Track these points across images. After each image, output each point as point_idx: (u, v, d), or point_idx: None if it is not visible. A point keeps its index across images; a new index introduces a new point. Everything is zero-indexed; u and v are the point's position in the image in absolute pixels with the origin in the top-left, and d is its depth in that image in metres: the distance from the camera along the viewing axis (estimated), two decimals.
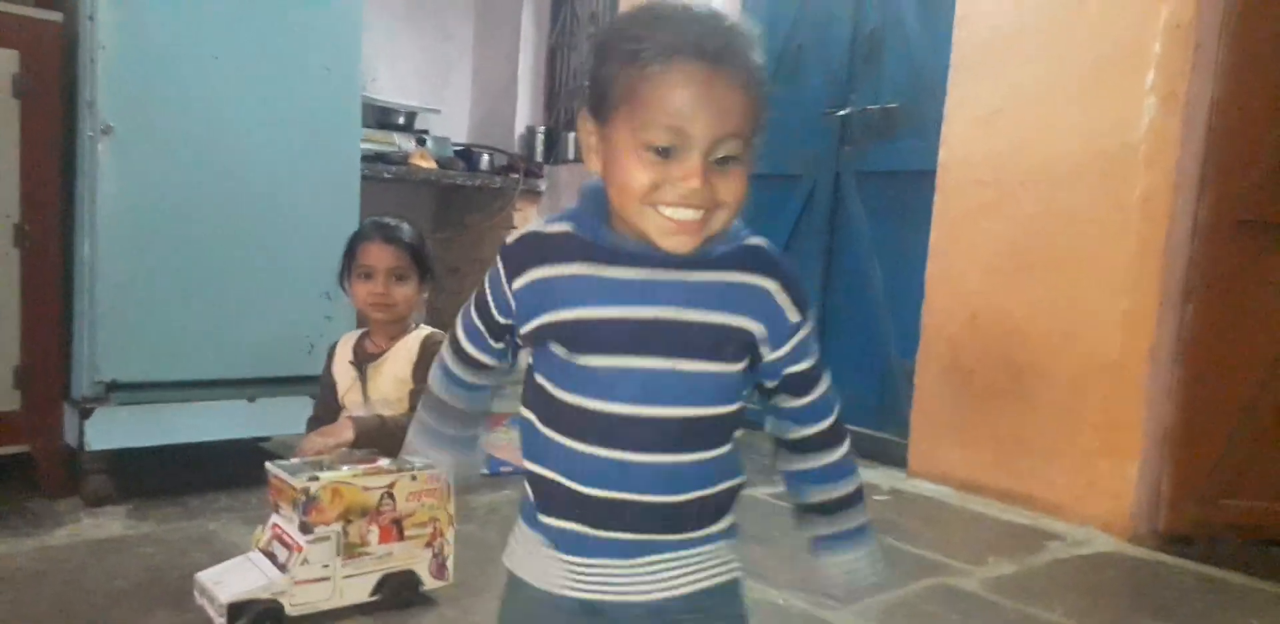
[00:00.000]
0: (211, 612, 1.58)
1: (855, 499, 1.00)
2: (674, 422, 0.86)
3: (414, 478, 1.70)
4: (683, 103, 0.77)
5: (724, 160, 0.79)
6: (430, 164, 4.07)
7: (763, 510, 2.51)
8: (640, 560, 0.89)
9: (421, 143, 4.16)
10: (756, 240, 0.89)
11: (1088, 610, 1.96)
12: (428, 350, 1.79)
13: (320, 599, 1.61)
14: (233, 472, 2.51)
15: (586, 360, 0.85)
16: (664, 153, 0.78)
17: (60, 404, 2.25)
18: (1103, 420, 2.48)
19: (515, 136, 4.69)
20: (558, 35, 4.69)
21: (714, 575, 0.92)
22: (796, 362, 0.91)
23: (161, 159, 2.27)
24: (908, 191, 3.07)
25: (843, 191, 3.29)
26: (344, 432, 1.73)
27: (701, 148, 0.78)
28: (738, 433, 0.91)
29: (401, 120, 4.25)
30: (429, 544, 1.74)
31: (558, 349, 0.86)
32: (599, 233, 0.86)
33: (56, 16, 2.21)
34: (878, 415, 3.17)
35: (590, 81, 0.84)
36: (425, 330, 1.86)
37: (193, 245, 2.32)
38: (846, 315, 3.29)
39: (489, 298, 0.92)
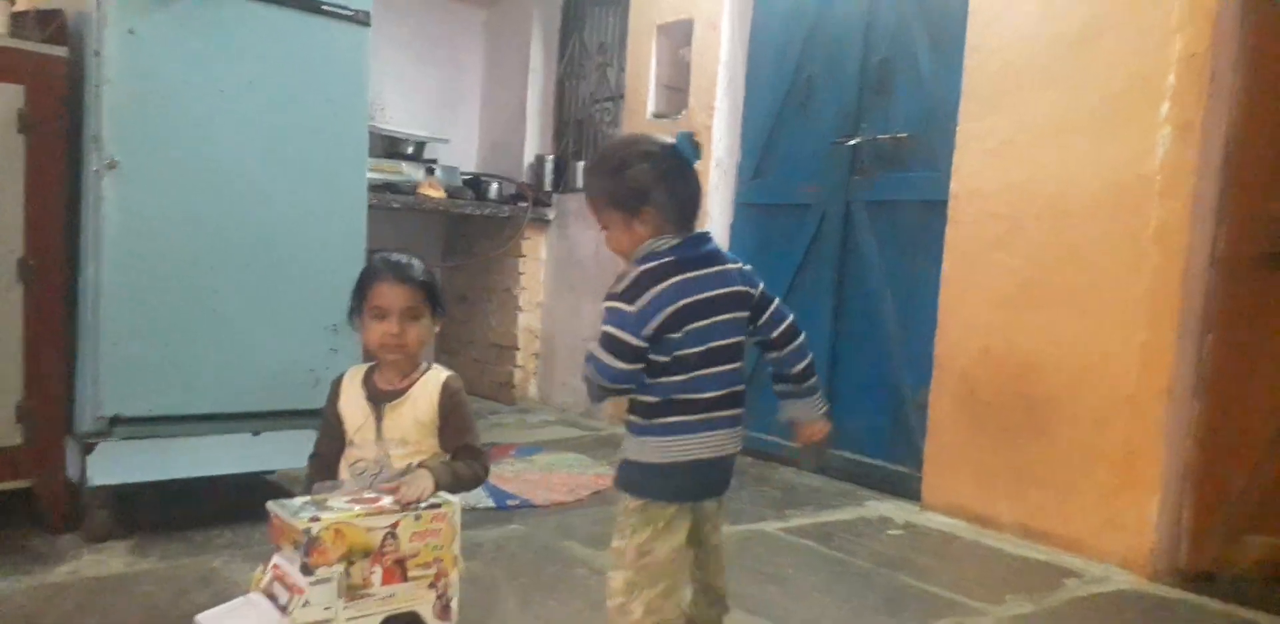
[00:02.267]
0: None
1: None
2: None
3: (418, 518, 1.67)
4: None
5: None
6: (439, 193, 4.06)
7: (774, 546, 2.47)
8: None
9: (430, 172, 4.16)
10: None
11: None
12: (449, 397, 1.76)
13: None
14: (237, 506, 2.48)
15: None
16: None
17: (63, 439, 2.23)
18: (1121, 455, 2.43)
19: (524, 165, 4.69)
20: (566, 65, 4.70)
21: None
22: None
23: (166, 193, 2.26)
24: (919, 222, 3.05)
25: (853, 221, 3.27)
26: (425, 482, 1.69)
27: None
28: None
29: (410, 150, 4.26)
30: (433, 585, 1.70)
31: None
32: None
33: (62, 51, 2.21)
34: (890, 447, 3.13)
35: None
36: (443, 373, 1.82)
37: (197, 279, 2.31)
38: (858, 344, 3.26)
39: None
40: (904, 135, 3.11)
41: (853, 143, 3.25)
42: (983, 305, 2.74)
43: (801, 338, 1.67)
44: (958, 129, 2.83)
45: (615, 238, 1.58)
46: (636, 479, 1.56)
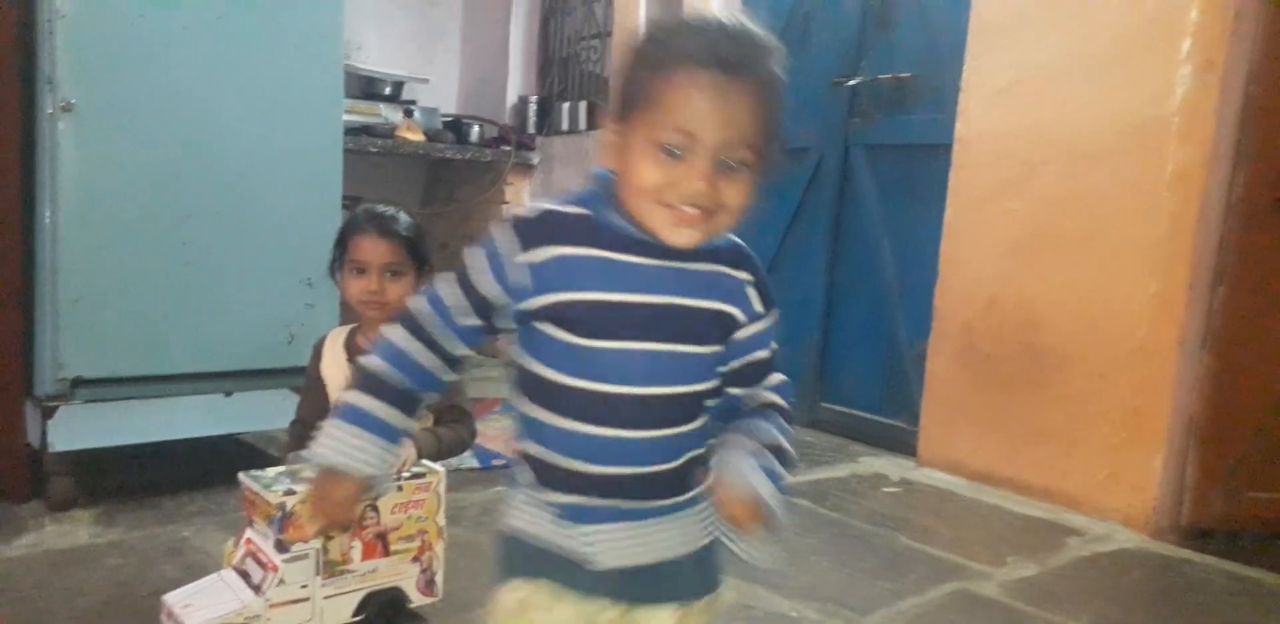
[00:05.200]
0: None
1: (789, 459, 0.99)
2: (672, 398, 0.94)
3: (400, 488, 1.58)
4: (695, 107, 0.83)
5: (732, 166, 0.84)
6: (418, 136, 3.90)
7: None
8: (645, 523, 0.96)
9: (409, 114, 3.98)
10: (735, 239, 0.96)
11: (1119, 620, 1.85)
12: None
13: (299, 622, 1.49)
14: (209, 471, 2.39)
15: (594, 343, 0.90)
16: (675, 154, 0.84)
17: (21, 402, 2.12)
18: (1126, 410, 2.36)
19: (507, 107, 4.51)
20: (551, 1, 4.49)
21: (707, 534, 1.00)
22: (755, 349, 0.98)
23: (128, 138, 2.12)
24: (921, 166, 2.93)
25: (852, 165, 3.14)
26: (408, 452, 1.60)
27: (709, 152, 0.84)
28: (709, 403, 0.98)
29: (388, 90, 4.07)
30: (416, 558, 1.62)
31: (558, 332, 0.91)
32: (612, 220, 0.91)
33: None
34: (885, 401, 3.05)
35: (618, 84, 0.90)
36: None
37: (163, 230, 2.18)
38: (853, 294, 3.17)
39: (485, 270, 0.92)
40: (906, 75, 2.96)
41: (852, 83, 3.10)
42: (988, 254, 2.64)
43: None
44: (964, 68, 2.69)
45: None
46: None
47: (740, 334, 0.96)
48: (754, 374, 1.00)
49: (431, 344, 0.95)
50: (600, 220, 0.91)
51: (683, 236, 0.87)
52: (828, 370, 3.24)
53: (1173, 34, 2.25)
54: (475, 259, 0.93)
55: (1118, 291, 2.37)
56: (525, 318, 0.92)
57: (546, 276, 0.90)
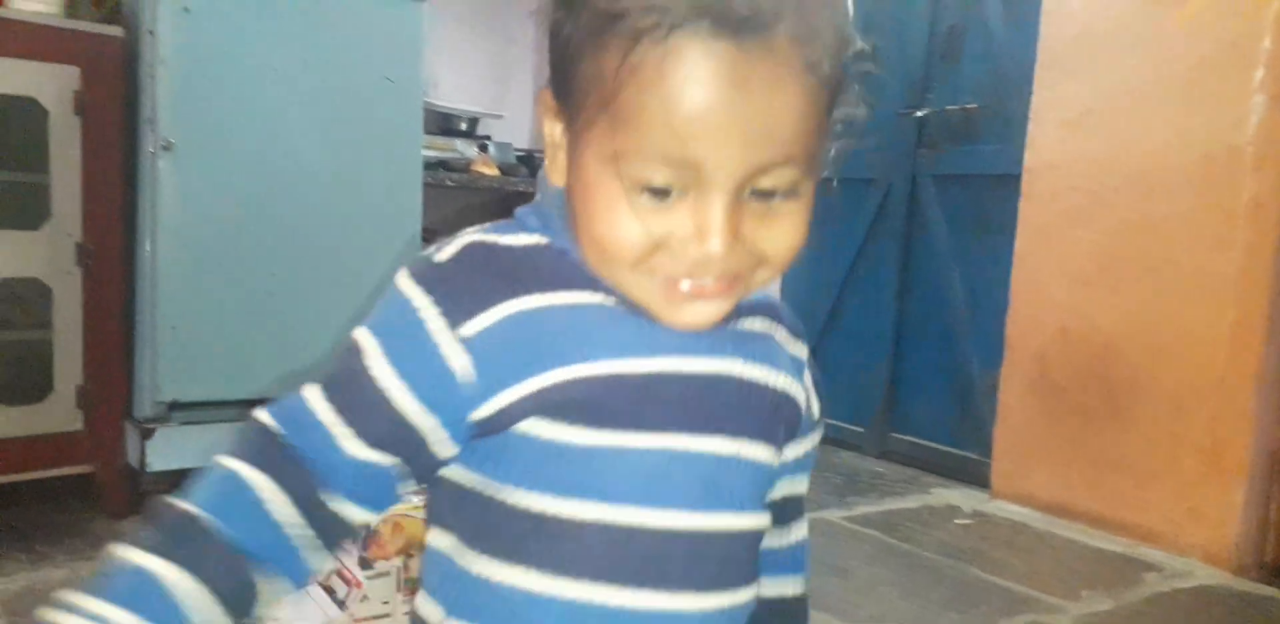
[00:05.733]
0: None
1: None
2: (738, 538, 0.57)
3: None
4: (697, 113, 0.46)
5: (769, 194, 0.51)
6: (493, 170, 4.01)
7: (837, 536, 2.40)
8: None
9: (484, 149, 4.10)
10: (769, 292, 0.62)
11: None
12: None
13: None
14: None
15: (613, 440, 0.53)
16: (664, 194, 0.50)
17: (122, 424, 2.23)
18: (1205, 442, 2.31)
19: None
20: None
21: None
22: (800, 471, 0.65)
23: (222, 174, 2.23)
24: (989, 197, 2.92)
25: (920, 196, 3.15)
26: None
27: (728, 186, 0.49)
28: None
29: (464, 126, 4.21)
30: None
31: (553, 429, 0.53)
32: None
33: (117, 31, 2.18)
34: (957, 431, 3.03)
35: (552, 48, 0.53)
36: None
37: (254, 261, 2.28)
38: (924, 325, 3.16)
39: (389, 371, 0.53)
40: (974, 106, 2.97)
41: (919, 114, 3.12)
42: (1060, 283, 2.62)
43: None
44: (1033, 98, 2.69)
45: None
46: None
47: (793, 445, 0.63)
48: (788, 513, 0.66)
49: (298, 492, 0.52)
50: (566, 250, 0.56)
51: (692, 315, 0.53)
52: (898, 401, 3.23)
53: (1245, 63, 2.23)
54: (356, 362, 0.55)
55: (1194, 321, 2.33)
56: (481, 430, 0.54)
57: (502, 354, 0.53)
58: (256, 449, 0.55)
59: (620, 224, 0.50)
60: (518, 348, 0.53)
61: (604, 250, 0.52)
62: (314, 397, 0.55)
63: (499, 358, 0.53)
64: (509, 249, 0.56)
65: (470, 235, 0.57)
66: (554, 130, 0.56)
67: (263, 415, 0.57)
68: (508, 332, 0.53)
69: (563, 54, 0.52)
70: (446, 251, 0.56)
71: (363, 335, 0.56)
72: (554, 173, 0.56)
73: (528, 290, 0.54)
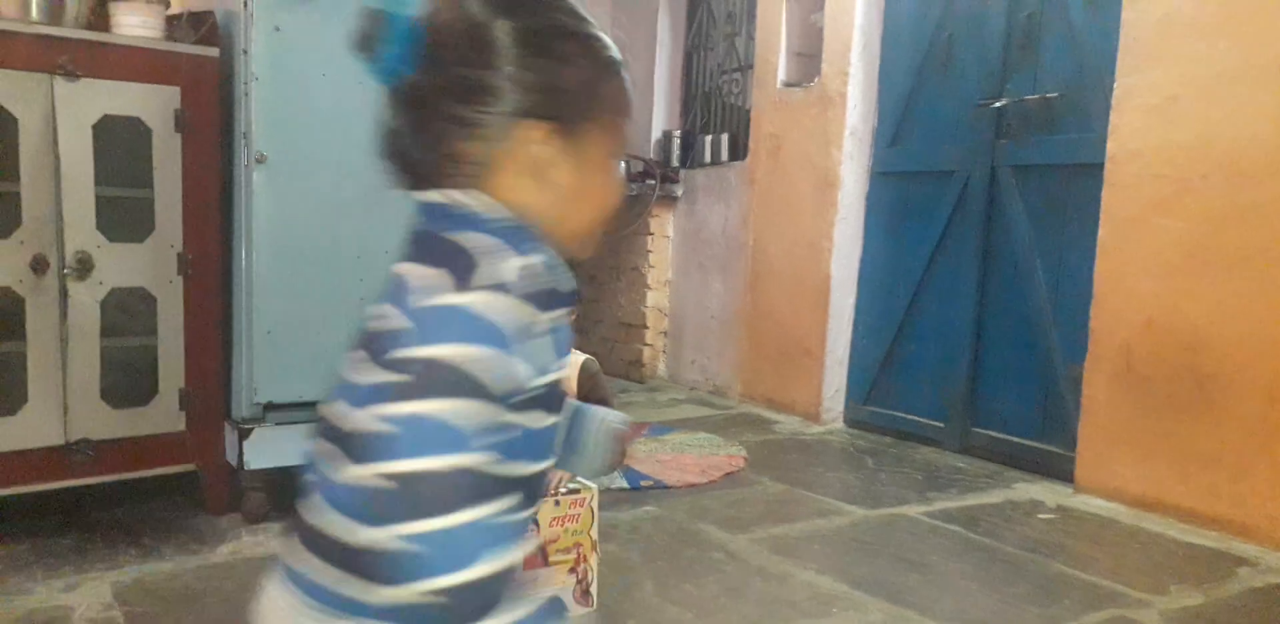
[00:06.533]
0: None
1: None
2: None
3: (557, 503, 1.68)
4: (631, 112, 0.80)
5: None
6: None
7: (917, 531, 2.40)
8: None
9: None
10: None
11: None
12: (587, 379, 1.77)
13: None
14: None
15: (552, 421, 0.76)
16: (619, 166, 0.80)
17: (221, 425, 2.35)
18: None
19: (651, 142, 4.66)
20: (694, 37, 4.63)
21: None
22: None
23: (311, 184, 2.32)
24: (1071, 187, 2.87)
25: (999, 187, 3.11)
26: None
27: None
28: None
29: None
30: (572, 570, 1.72)
31: (544, 417, 0.73)
32: (561, 268, 0.74)
33: (213, 52, 2.30)
34: (1041, 425, 2.98)
35: (562, 90, 0.72)
36: (580, 356, 1.85)
37: (342, 268, 2.37)
38: (1005, 317, 3.11)
39: (541, 361, 0.70)
40: (1054, 95, 2.92)
41: (998, 105, 3.07)
42: (1145, 273, 2.57)
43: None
44: (1114, 86, 2.64)
45: None
46: None
47: None
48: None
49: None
50: (556, 270, 0.74)
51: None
52: (980, 395, 3.19)
53: None
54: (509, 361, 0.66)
55: None
56: (520, 407, 0.68)
57: (552, 347, 0.72)
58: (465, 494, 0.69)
59: (616, 187, 0.79)
60: (554, 345, 0.73)
61: (604, 208, 0.77)
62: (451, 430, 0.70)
63: (550, 347, 0.73)
64: (540, 265, 0.73)
65: (524, 257, 0.71)
66: (542, 152, 0.72)
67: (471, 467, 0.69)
68: (554, 332, 0.73)
69: (579, 90, 0.73)
70: (518, 270, 0.71)
71: (473, 356, 0.69)
72: (546, 184, 0.73)
73: (554, 307, 0.73)
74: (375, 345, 0.70)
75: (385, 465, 0.62)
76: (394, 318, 0.70)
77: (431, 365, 0.63)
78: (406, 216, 0.83)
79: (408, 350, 0.65)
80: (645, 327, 4.55)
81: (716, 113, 4.48)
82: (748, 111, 4.10)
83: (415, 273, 0.71)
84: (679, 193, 4.43)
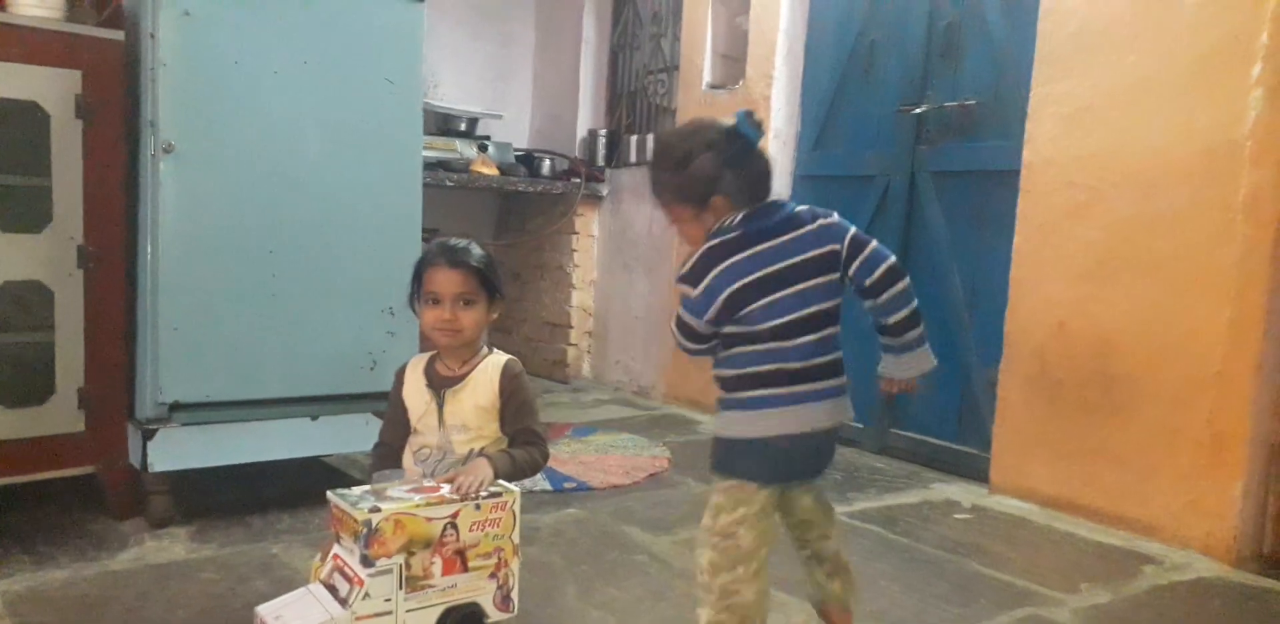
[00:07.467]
0: None
1: None
2: None
3: (478, 507, 1.64)
4: None
5: None
6: (492, 170, 4.02)
7: None
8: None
9: (483, 149, 4.12)
10: None
11: None
12: (509, 381, 1.73)
13: None
14: (295, 491, 2.49)
15: None
16: None
17: (124, 425, 2.24)
18: (1204, 436, 2.32)
19: (577, 140, 4.63)
20: (619, 36, 4.61)
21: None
22: None
23: (222, 176, 2.25)
24: (988, 193, 2.93)
25: (919, 192, 3.16)
26: (484, 471, 1.67)
27: None
28: None
29: (463, 126, 4.22)
30: (493, 575, 1.68)
31: None
32: None
33: (118, 35, 2.19)
34: (957, 427, 3.04)
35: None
36: (502, 357, 1.80)
37: (254, 263, 2.29)
38: (923, 321, 3.15)
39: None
40: (972, 102, 2.98)
41: (918, 111, 3.13)
42: (1058, 279, 2.63)
43: (900, 285, 1.52)
44: (1031, 95, 2.70)
45: (688, 231, 1.54)
46: (723, 456, 1.53)
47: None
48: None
49: None
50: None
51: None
52: (899, 397, 3.22)
53: (1243, 58, 2.24)
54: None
55: (1192, 316, 2.34)
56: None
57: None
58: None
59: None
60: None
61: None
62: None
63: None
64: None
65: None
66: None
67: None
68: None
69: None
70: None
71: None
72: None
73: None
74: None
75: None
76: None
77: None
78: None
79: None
80: (570, 326, 4.52)
81: (642, 113, 4.47)
82: (674, 112, 4.10)
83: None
84: (604, 192, 4.41)
